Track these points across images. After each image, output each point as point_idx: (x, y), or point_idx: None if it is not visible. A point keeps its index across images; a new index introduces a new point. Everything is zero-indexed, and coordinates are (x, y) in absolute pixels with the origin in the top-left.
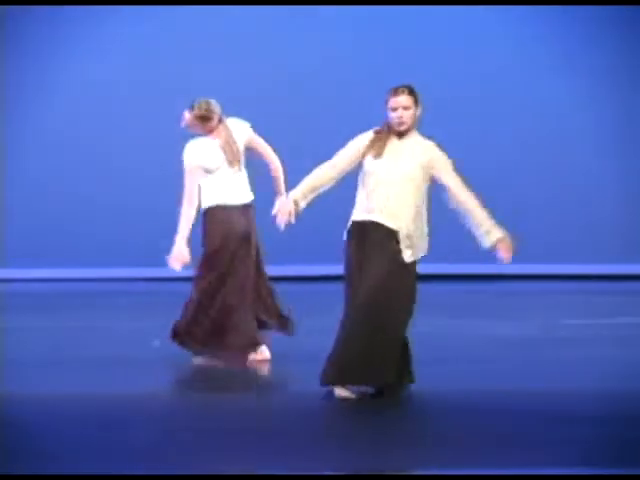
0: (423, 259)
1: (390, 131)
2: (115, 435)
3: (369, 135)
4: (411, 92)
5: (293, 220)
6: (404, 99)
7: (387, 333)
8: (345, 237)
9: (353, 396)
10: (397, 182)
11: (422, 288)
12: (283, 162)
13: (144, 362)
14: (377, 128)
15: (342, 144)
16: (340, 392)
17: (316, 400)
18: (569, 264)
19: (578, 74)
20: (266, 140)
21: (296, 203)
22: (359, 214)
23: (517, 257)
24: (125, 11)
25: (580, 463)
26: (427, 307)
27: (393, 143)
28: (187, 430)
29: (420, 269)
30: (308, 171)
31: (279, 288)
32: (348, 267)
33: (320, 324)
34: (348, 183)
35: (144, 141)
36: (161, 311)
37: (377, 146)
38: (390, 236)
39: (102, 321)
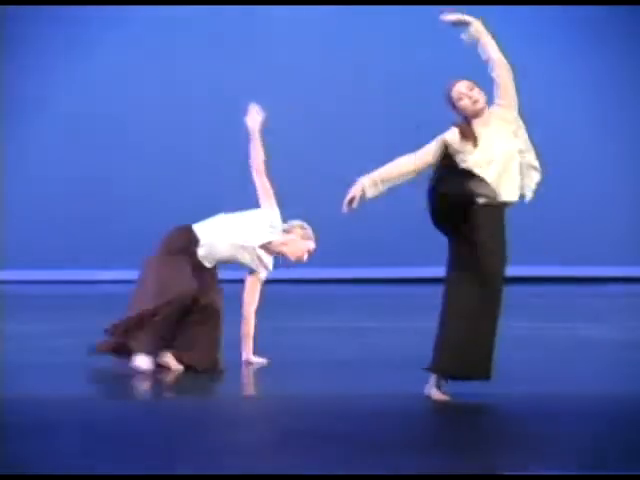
0: None
1: (469, 121)
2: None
3: (454, 131)
4: (467, 79)
5: (355, 206)
6: (463, 84)
7: None
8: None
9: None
10: (504, 160)
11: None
12: (289, 167)
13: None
14: (456, 124)
15: (345, 144)
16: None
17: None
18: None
19: (585, 74)
20: (273, 144)
21: (364, 189)
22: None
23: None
24: (127, 12)
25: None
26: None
27: (479, 130)
28: (186, 430)
29: None
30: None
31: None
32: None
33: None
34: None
35: (145, 142)
36: None
37: (470, 137)
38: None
39: (101, 323)
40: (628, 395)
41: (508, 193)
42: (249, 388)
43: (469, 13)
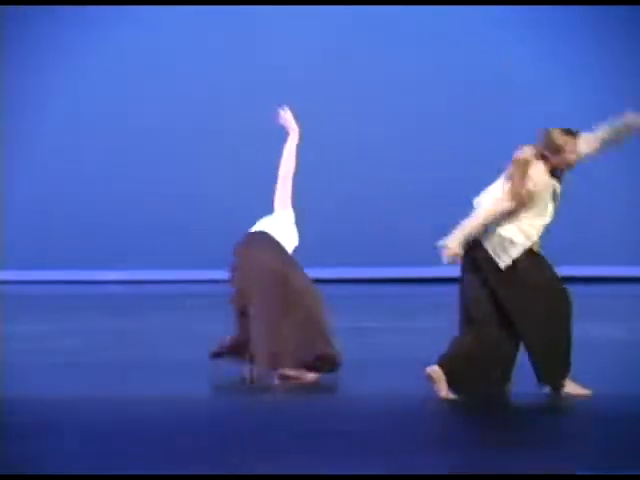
0: None
1: (551, 165)
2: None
3: (510, 199)
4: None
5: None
6: (575, 142)
7: None
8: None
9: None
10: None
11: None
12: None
13: (147, 365)
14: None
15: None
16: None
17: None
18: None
19: (583, 75)
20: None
21: (458, 250)
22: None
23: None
24: (128, 12)
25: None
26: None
27: (550, 179)
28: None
29: None
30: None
31: None
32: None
33: None
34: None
35: (146, 142)
36: (166, 312)
37: (524, 203)
38: None
39: (102, 323)
40: (628, 395)
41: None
42: (249, 387)
43: (471, 13)
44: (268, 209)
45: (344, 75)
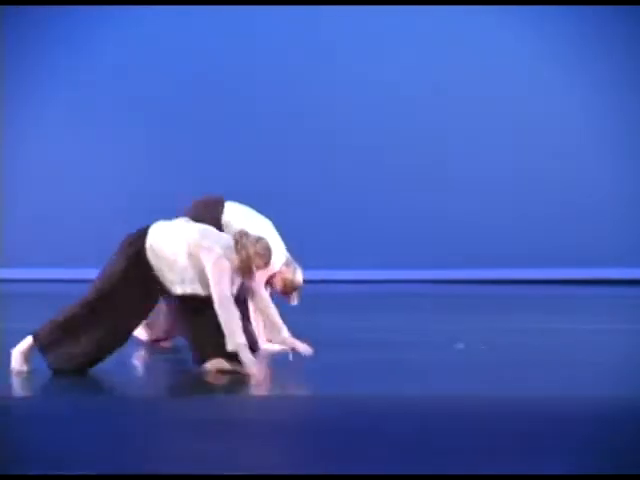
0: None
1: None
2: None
3: None
4: None
5: None
6: None
7: None
8: None
9: None
10: None
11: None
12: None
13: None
14: None
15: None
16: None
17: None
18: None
19: (584, 77)
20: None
21: None
22: None
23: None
24: (129, 11)
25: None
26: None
27: None
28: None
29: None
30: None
31: None
32: None
33: None
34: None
35: (144, 140)
36: None
37: None
38: None
39: None
40: (627, 397)
41: None
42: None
43: (469, 13)
44: (267, 207)
45: (360, 76)
